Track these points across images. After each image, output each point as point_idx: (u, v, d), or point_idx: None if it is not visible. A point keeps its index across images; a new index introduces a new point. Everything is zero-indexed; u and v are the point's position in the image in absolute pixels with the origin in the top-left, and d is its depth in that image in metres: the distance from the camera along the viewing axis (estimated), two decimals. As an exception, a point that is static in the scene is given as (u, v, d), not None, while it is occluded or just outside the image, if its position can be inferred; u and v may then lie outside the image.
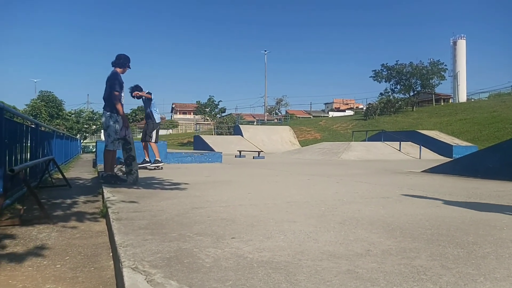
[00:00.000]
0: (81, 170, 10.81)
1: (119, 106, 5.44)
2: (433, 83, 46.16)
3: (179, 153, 11.40)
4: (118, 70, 5.61)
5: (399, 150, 17.31)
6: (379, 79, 47.59)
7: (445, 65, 45.88)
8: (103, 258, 2.39)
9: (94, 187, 6.02)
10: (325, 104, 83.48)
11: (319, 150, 17.56)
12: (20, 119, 6.22)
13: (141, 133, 9.33)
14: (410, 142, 18.44)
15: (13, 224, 3.24)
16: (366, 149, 16.82)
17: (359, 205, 3.59)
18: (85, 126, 45.00)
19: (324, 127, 39.73)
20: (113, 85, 5.43)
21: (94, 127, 45.71)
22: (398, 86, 46.91)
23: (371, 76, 48.24)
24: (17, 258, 2.34)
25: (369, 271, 1.74)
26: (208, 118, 44.94)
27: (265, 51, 55.88)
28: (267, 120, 55.10)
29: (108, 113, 5.45)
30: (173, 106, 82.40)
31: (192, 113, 67.54)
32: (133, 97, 7.97)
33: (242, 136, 27.20)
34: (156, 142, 8.46)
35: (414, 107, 43.26)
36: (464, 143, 19.47)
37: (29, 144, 6.23)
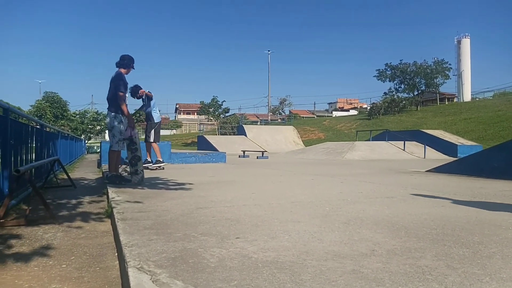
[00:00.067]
0: (85, 170, 10.86)
1: (124, 107, 5.47)
2: (438, 82, 45.93)
3: (183, 153, 11.43)
4: (122, 70, 5.63)
5: (404, 150, 17.25)
6: (383, 79, 47.42)
7: (450, 64, 45.66)
8: (108, 258, 2.40)
9: (99, 188, 6.04)
10: (329, 103, 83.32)
11: (323, 150, 17.54)
12: (25, 120, 6.27)
13: (144, 134, 9.35)
14: (414, 142, 18.37)
15: (19, 224, 3.26)
16: (370, 148, 16.78)
17: (363, 205, 3.59)
18: (89, 126, 45.19)
19: (328, 127, 39.67)
20: (118, 85, 5.45)
21: (98, 127, 45.88)
22: (402, 86, 46.70)
23: (375, 76, 48.09)
24: (23, 258, 2.36)
25: (374, 271, 1.73)
26: (211, 118, 44.94)
27: (269, 51, 56.01)
28: (271, 120, 55.09)
29: (112, 113, 5.47)
30: (177, 106, 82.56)
31: (195, 113, 67.59)
32: (135, 97, 7.97)
33: (246, 136, 27.21)
34: (157, 142, 8.47)
35: (419, 106, 43.10)
36: (469, 143, 19.37)
37: (34, 145, 6.26)
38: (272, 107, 61.94)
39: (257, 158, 14.80)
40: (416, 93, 46.35)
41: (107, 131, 6.74)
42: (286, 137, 28.64)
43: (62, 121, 41.08)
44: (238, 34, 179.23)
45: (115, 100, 5.45)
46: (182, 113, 79.29)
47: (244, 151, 16.43)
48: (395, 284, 1.59)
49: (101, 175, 8.23)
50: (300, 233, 2.45)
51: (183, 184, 5.27)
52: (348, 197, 4.12)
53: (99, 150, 14.47)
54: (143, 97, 8.23)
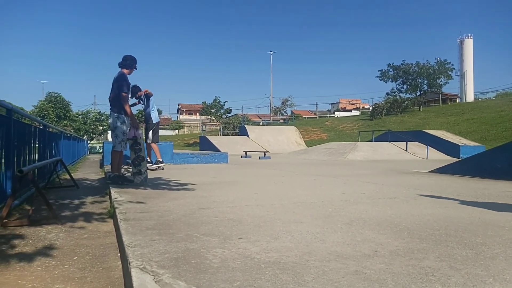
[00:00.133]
0: (88, 170, 10.88)
1: (127, 107, 5.48)
2: (440, 83, 45.87)
3: (186, 154, 11.44)
4: (125, 71, 5.63)
5: (406, 150, 17.22)
6: (386, 79, 47.37)
7: (452, 65, 45.60)
8: (111, 258, 2.40)
9: (101, 188, 6.06)
10: (331, 104, 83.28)
11: (325, 151, 17.52)
12: (28, 120, 6.28)
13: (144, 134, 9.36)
14: (417, 142, 18.34)
15: (22, 225, 3.27)
16: (372, 149, 16.75)
17: (366, 206, 3.58)
18: (92, 127, 45.30)
19: (330, 127, 39.63)
20: (121, 86, 5.45)
21: (101, 128, 46.01)
22: (405, 86, 46.66)
23: (377, 76, 48.06)
24: (26, 258, 2.36)
25: (377, 272, 1.73)
26: (214, 118, 45.01)
27: (271, 51, 56.02)
28: (273, 120, 55.09)
29: (115, 114, 5.47)
30: (179, 106, 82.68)
31: (198, 114, 67.76)
32: (134, 97, 7.98)
33: (248, 136, 27.21)
34: (156, 142, 8.48)
35: (421, 107, 43.01)
36: (472, 143, 19.31)
37: (37, 145, 6.28)
38: (274, 107, 61.99)
39: (259, 158, 14.80)
40: (418, 93, 46.27)
41: (109, 132, 6.75)
42: (288, 138, 28.63)
43: (64, 122, 41.20)
44: (239, 34, 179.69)
45: (118, 101, 5.46)
46: (184, 114, 79.40)
47: (246, 152, 16.43)
48: (398, 285, 1.58)
49: (103, 176, 8.25)
50: (303, 234, 2.45)
51: (186, 184, 5.28)
52: (350, 198, 4.11)
53: (101, 150, 14.50)
54: (142, 97, 8.24)
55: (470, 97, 50.44)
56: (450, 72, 45.26)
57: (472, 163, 7.64)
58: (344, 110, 73.98)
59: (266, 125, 43.95)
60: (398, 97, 43.78)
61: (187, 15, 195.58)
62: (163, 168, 8.36)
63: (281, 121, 55.26)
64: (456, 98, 53.00)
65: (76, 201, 4.64)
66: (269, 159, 14.53)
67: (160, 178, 6.24)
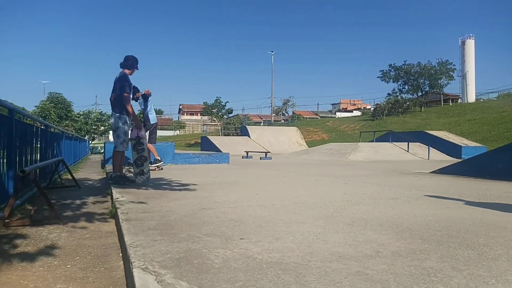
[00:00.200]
0: (89, 171, 10.89)
1: (129, 107, 5.48)
2: (442, 83, 45.75)
3: (187, 154, 11.45)
4: (127, 71, 5.63)
5: (407, 151, 17.20)
6: (387, 80, 47.29)
7: (454, 65, 45.48)
8: (113, 259, 2.40)
9: (103, 188, 6.06)
10: (332, 104, 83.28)
11: (326, 151, 17.52)
12: (30, 120, 6.29)
13: None
14: (418, 143, 18.32)
15: (24, 225, 3.27)
16: (374, 150, 16.74)
17: (367, 206, 3.58)
18: (93, 127, 45.34)
19: (332, 128, 39.61)
20: (123, 86, 5.46)
21: (102, 128, 46.03)
22: (406, 86, 46.56)
23: (378, 77, 47.96)
24: (28, 258, 2.37)
25: (379, 273, 1.73)
26: (215, 119, 45.01)
27: (272, 52, 56.01)
28: (274, 121, 55.09)
29: (117, 114, 5.48)
30: (180, 107, 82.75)
31: (199, 114, 67.81)
32: (134, 99, 7.97)
33: (249, 137, 27.21)
34: (153, 143, 8.50)
35: (422, 107, 42.97)
36: (473, 144, 19.30)
37: (39, 145, 6.29)
38: (276, 108, 62.01)
39: (260, 159, 14.80)
40: (420, 94, 46.20)
41: (111, 132, 6.76)
42: (289, 138, 28.63)
43: (66, 122, 41.24)
44: (240, 34, 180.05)
45: (119, 101, 5.46)
46: (185, 114, 79.47)
47: (247, 152, 16.44)
48: (400, 285, 1.58)
49: (105, 176, 8.26)
50: (305, 234, 2.45)
51: (187, 184, 5.28)
52: (352, 198, 4.11)
53: (103, 150, 14.52)
54: (139, 99, 8.24)
55: (471, 97, 50.39)
56: (451, 73, 45.17)
57: (474, 164, 7.63)
58: (345, 110, 73.96)
59: (267, 125, 43.98)
60: (399, 97, 43.75)
61: (187, 15, 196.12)
62: (162, 168, 8.37)
63: (282, 121, 55.27)
64: (458, 99, 52.99)
65: (78, 201, 4.64)
66: (270, 159, 14.53)
67: (162, 178, 6.24)
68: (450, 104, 48.26)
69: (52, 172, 6.31)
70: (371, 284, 1.59)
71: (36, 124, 6.43)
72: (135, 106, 8.17)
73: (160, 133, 59.09)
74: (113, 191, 4.60)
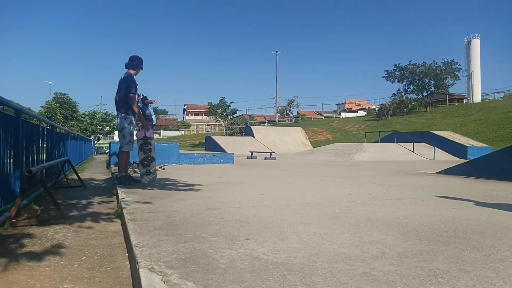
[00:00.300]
0: (95, 171, 10.94)
1: (135, 108, 5.49)
2: (447, 83, 45.54)
3: (192, 154, 11.48)
4: (132, 71, 5.64)
5: (413, 151, 17.13)
6: (392, 80, 47.12)
7: (459, 65, 45.25)
8: (119, 258, 2.41)
9: (109, 188, 6.09)
10: (337, 104, 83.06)
11: (331, 151, 17.48)
12: (36, 120, 6.33)
13: None
14: (423, 143, 18.23)
15: (31, 224, 3.29)
16: (379, 150, 16.68)
17: (373, 207, 3.57)
18: (98, 127, 45.52)
19: (336, 128, 39.51)
20: (129, 87, 5.47)
21: (107, 128, 46.21)
22: (411, 87, 46.37)
23: (383, 77, 47.81)
24: (35, 258, 2.38)
25: (385, 274, 1.72)
26: (219, 119, 45.05)
27: (277, 52, 55.96)
28: (279, 121, 55.04)
29: (123, 114, 5.50)
30: (185, 107, 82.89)
31: (203, 114, 67.90)
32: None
33: (254, 137, 27.21)
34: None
35: (428, 107, 42.74)
36: (479, 144, 19.18)
37: (45, 145, 6.33)
38: (280, 108, 61.95)
39: (265, 159, 14.80)
40: (425, 94, 45.98)
41: (116, 132, 6.79)
42: (294, 138, 28.60)
43: (71, 122, 41.44)
44: (244, 34, 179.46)
45: (125, 101, 5.47)
46: (190, 114, 79.60)
47: (252, 152, 16.44)
48: (407, 287, 1.58)
49: (110, 176, 8.29)
50: (310, 235, 2.45)
51: (192, 185, 5.29)
52: (357, 199, 4.10)
53: (108, 150, 14.58)
54: (139, 102, 8.27)
55: (477, 97, 50.06)
56: (457, 73, 44.95)
57: (480, 164, 7.58)
58: (350, 110, 73.73)
59: (271, 125, 43.93)
60: (404, 97, 43.55)
61: (189, 16, 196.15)
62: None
63: (287, 121, 55.19)
64: (463, 99, 52.62)
65: (84, 201, 4.67)
66: (275, 159, 14.52)
67: (167, 178, 6.26)
68: (456, 104, 47.93)
69: (58, 172, 6.35)
70: (377, 285, 1.59)
71: (42, 124, 6.47)
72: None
73: (164, 133, 59.51)
74: (118, 191, 4.62)
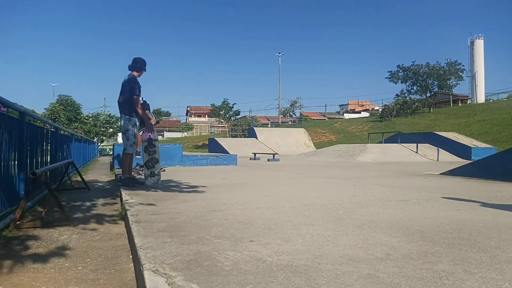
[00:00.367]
0: (98, 173, 10.97)
1: (140, 110, 5.50)
2: (451, 84, 45.33)
3: (195, 156, 11.50)
4: (135, 73, 5.65)
5: (416, 152, 17.08)
6: (395, 80, 46.96)
7: (463, 66, 45.04)
8: (123, 260, 2.42)
9: (112, 190, 6.10)
10: (340, 105, 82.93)
11: (334, 153, 17.46)
12: (40, 123, 6.35)
13: None
14: (427, 144, 18.18)
15: (35, 226, 3.30)
16: (382, 151, 16.65)
17: (377, 208, 3.56)
18: (102, 129, 45.64)
19: (339, 129, 39.45)
20: (133, 89, 5.48)
21: (111, 130, 46.34)
22: (415, 87, 46.19)
23: (386, 77, 47.62)
24: (39, 260, 2.39)
25: (390, 276, 1.72)
26: (222, 120, 45.07)
27: (280, 53, 55.97)
28: (282, 122, 55.01)
29: (126, 116, 5.51)
30: (188, 109, 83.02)
31: (206, 116, 67.93)
32: None
33: (257, 138, 27.22)
34: None
35: (431, 108, 42.61)
36: (483, 145, 19.10)
37: (49, 148, 6.35)
38: (283, 109, 61.95)
39: (268, 160, 14.80)
40: (428, 94, 45.81)
41: (119, 134, 6.79)
42: (297, 140, 28.59)
43: (75, 124, 41.54)
44: (248, 35, 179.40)
45: (129, 103, 5.48)
46: (193, 116, 79.71)
47: (255, 154, 16.45)
48: (412, 289, 1.57)
49: (114, 178, 8.31)
50: (314, 237, 2.44)
51: (196, 186, 5.29)
52: (361, 200, 4.09)
53: (111, 152, 14.62)
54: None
55: (481, 98, 49.91)
56: (460, 73, 44.74)
57: (484, 165, 7.55)
58: (353, 111, 73.55)
59: (274, 127, 43.95)
60: (408, 98, 43.44)
61: (191, 17, 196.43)
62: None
63: (290, 123, 55.17)
64: (467, 99, 52.44)
65: (88, 203, 4.68)
66: (278, 161, 14.52)
67: (171, 180, 6.27)
68: (459, 105, 47.73)
69: (62, 174, 6.37)
70: (382, 287, 1.58)
71: (46, 126, 6.49)
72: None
73: (168, 135, 59.65)
74: (122, 193, 4.63)
